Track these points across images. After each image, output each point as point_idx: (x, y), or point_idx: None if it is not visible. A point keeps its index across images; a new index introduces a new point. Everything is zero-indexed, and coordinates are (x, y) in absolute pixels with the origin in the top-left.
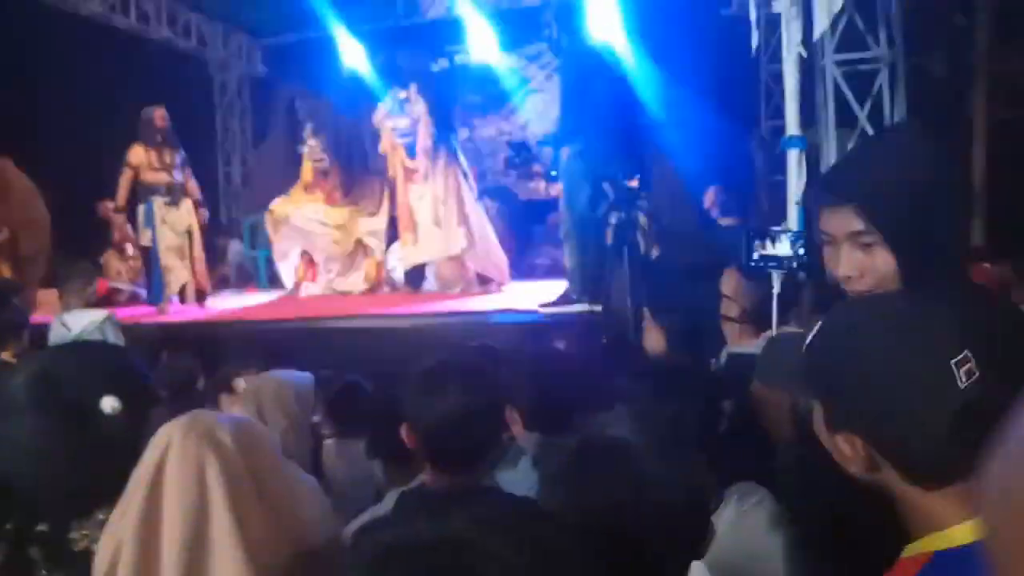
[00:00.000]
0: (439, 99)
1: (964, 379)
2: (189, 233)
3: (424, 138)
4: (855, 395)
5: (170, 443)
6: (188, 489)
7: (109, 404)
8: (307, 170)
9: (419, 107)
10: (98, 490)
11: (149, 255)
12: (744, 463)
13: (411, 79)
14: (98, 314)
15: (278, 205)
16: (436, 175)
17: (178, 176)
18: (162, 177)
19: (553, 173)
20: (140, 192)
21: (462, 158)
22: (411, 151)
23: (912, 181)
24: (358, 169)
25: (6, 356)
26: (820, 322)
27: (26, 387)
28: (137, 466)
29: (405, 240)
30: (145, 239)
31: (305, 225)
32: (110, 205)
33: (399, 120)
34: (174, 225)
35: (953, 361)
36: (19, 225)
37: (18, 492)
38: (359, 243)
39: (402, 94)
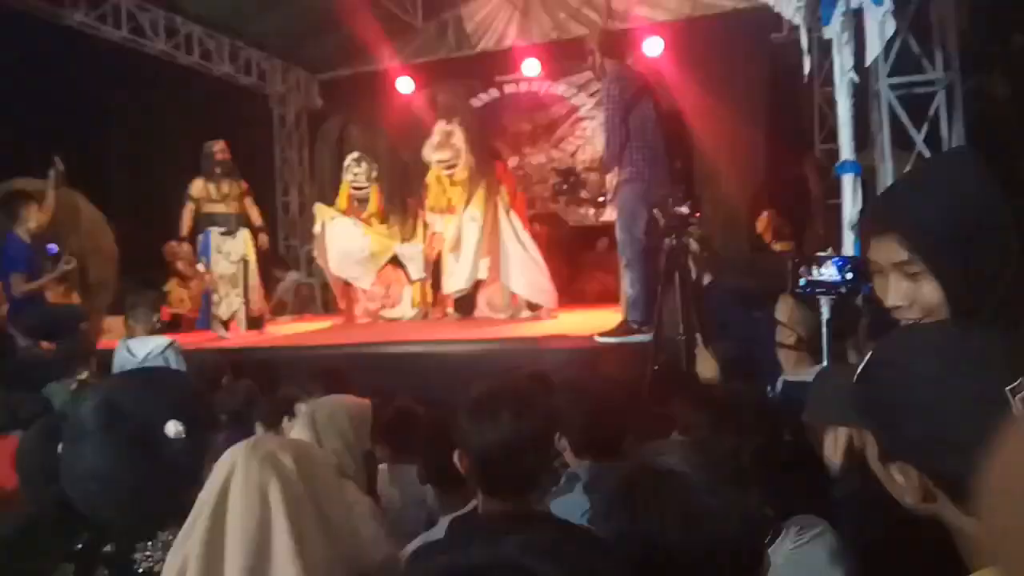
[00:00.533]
0: (481, 131)
1: (1020, 406)
2: (245, 262)
3: (463, 170)
4: (908, 425)
5: (234, 466)
6: (251, 510)
7: (173, 429)
8: (344, 196)
9: (460, 139)
10: (162, 512)
11: (207, 283)
12: (803, 495)
13: (452, 113)
14: (161, 340)
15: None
16: (476, 205)
17: (235, 207)
18: (220, 208)
19: (601, 199)
20: (199, 222)
21: (503, 188)
22: (453, 182)
23: (958, 210)
24: (397, 199)
25: (77, 380)
26: (871, 351)
27: (94, 413)
28: (203, 488)
29: (449, 268)
30: (202, 267)
31: (343, 238)
32: (175, 244)
33: (443, 152)
34: (229, 254)
35: (1009, 388)
36: (88, 254)
37: (87, 514)
38: (399, 269)
39: (446, 127)
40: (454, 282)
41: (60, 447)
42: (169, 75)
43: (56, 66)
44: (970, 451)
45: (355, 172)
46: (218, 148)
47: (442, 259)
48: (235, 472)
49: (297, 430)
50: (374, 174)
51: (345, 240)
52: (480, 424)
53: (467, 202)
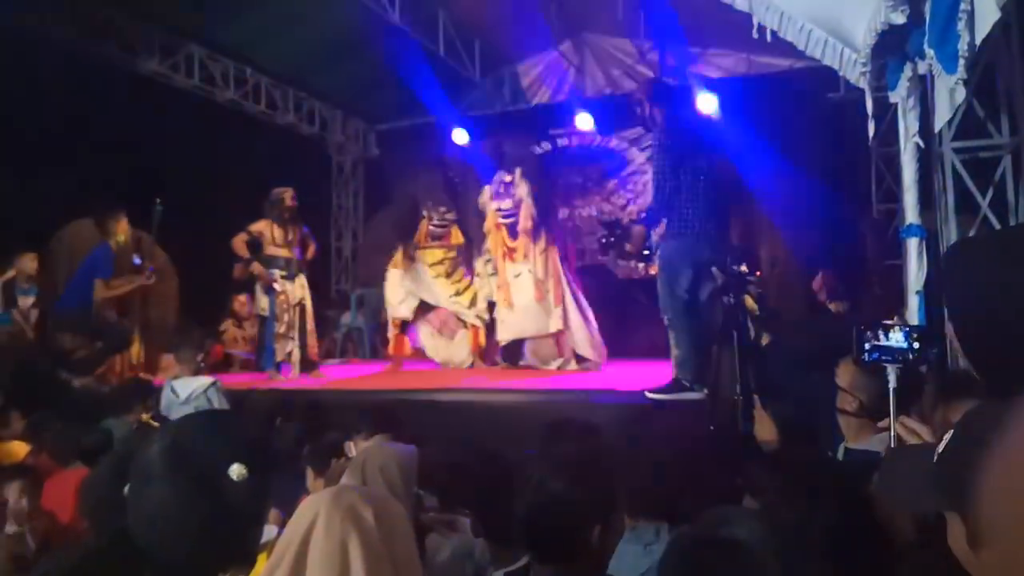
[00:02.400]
0: (542, 183)
1: None
2: (302, 307)
3: (525, 219)
4: (997, 508)
5: (317, 516)
6: (332, 563)
7: (237, 471)
8: (423, 230)
9: (522, 190)
10: (226, 554)
11: (264, 324)
12: (868, 570)
13: (516, 163)
14: (204, 381)
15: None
16: (536, 255)
17: (298, 253)
18: (283, 252)
19: (646, 252)
20: (261, 264)
21: (559, 240)
22: (512, 231)
23: (991, 289)
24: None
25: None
26: (951, 431)
27: (162, 456)
28: (284, 535)
29: (502, 316)
30: (260, 308)
31: (421, 276)
32: (242, 299)
33: (503, 202)
34: (289, 298)
35: None
36: (151, 294)
37: (152, 555)
38: (456, 316)
39: (507, 177)
40: (512, 330)
41: (127, 486)
42: (235, 123)
43: (126, 112)
44: None
45: (441, 211)
46: (288, 195)
47: (498, 307)
48: (317, 522)
49: (347, 476)
50: (454, 216)
51: (412, 281)
52: (538, 489)
53: (528, 252)
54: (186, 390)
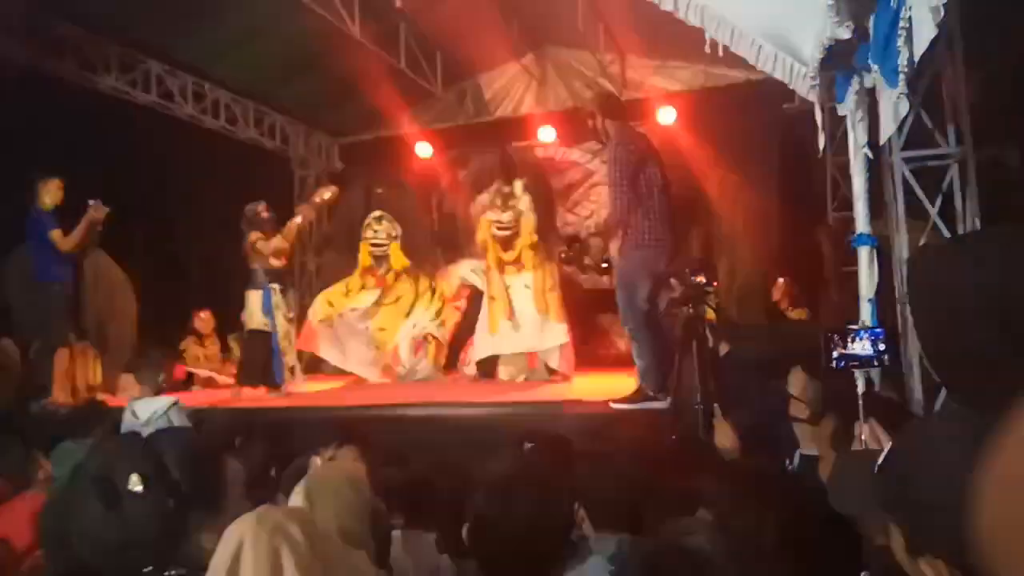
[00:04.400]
0: (542, 194)
1: None
2: (294, 319)
3: (530, 233)
4: (934, 520)
5: (244, 537)
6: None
7: (133, 481)
8: (365, 254)
9: (524, 202)
10: (151, 564)
11: (260, 339)
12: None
13: (516, 172)
14: (165, 401)
15: (322, 305)
16: (535, 267)
17: (287, 263)
18: (275, 264)
19: (604, 265)
20: (254, 277)
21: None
22: (509, 243)
23: (943, 298)
24: (420, 257)
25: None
26: (891, 443)
27: (84, 476)
28: (212, 562)
29: (497, 328)
30: (255, 323)
31: (348, 325)
32: (203, 315)
33: (501, 213)
34: (286, 312)
35: None
36: (108, 313)
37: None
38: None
39: (506, 188)
40: (511, 344)
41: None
42: (194, 139)
43: (84, 129)
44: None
45: (375, 230)
46: (261, 208)
47: (492, 321)
48: (244, 543)
49: (294, 499)
50: (395, 233)
51: (348, 336)
52: (497, 509)
53: (530, 264)
54: (146, 411)
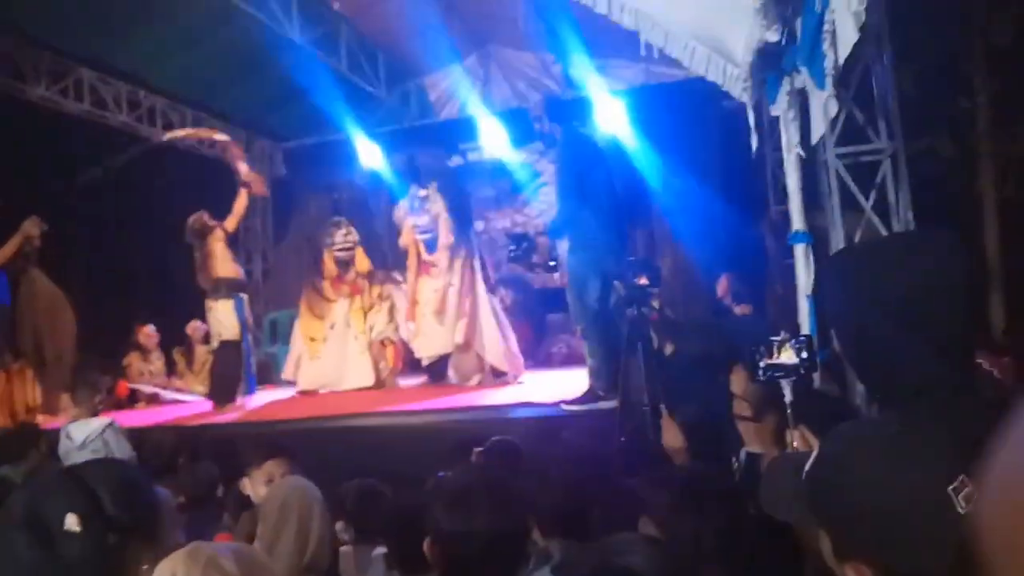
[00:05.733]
0: (458, 196)
1: (963, 504)
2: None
3: (445, 235)
4: (858, 525)
5: (176, 574)
6: None
7: (68, 521)
8: (331, 263)
9: (438, 205)
10: None
11: (230, 348)
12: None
13: (430, 177)
14: (100, 423)
15: (305, 344)
16: (454, 270)
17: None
18: (240, 271)
19: (551, 263)
20: (218, 285)
21: (478, 253)
22: (429, 246)
23: (860, 300)
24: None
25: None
26: (817, 450)
27: (13, 511)
28: None
29: (412, 333)
30: (229, 333)
31: (337, 344)
32: (147, 330)
33: (419, 217)
34: (248, 321)
35: (951, 488)
36: (44, 330)
37: None
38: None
39: (422, 192)
40: (431, 346)
41: None
42: (131, 148)
43: (15, 140)
44: (919, 550)
45: (342, 234)
46: (207, 215)
47: (416, 324)
48: None
49: (261, 524)
50: (356, 237)
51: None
52: (456, 518)
53: (450, 266)
54: (81, 434)
